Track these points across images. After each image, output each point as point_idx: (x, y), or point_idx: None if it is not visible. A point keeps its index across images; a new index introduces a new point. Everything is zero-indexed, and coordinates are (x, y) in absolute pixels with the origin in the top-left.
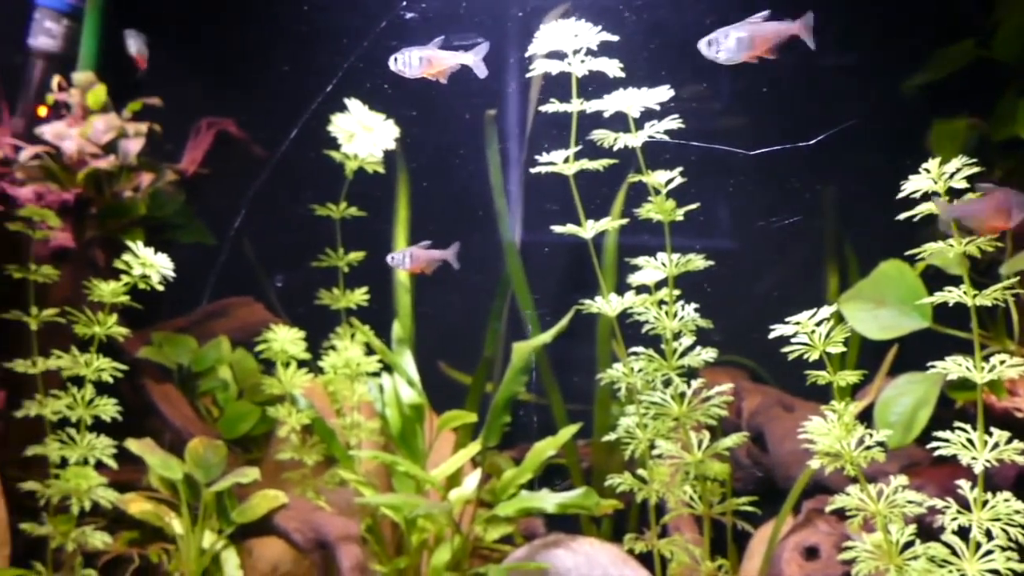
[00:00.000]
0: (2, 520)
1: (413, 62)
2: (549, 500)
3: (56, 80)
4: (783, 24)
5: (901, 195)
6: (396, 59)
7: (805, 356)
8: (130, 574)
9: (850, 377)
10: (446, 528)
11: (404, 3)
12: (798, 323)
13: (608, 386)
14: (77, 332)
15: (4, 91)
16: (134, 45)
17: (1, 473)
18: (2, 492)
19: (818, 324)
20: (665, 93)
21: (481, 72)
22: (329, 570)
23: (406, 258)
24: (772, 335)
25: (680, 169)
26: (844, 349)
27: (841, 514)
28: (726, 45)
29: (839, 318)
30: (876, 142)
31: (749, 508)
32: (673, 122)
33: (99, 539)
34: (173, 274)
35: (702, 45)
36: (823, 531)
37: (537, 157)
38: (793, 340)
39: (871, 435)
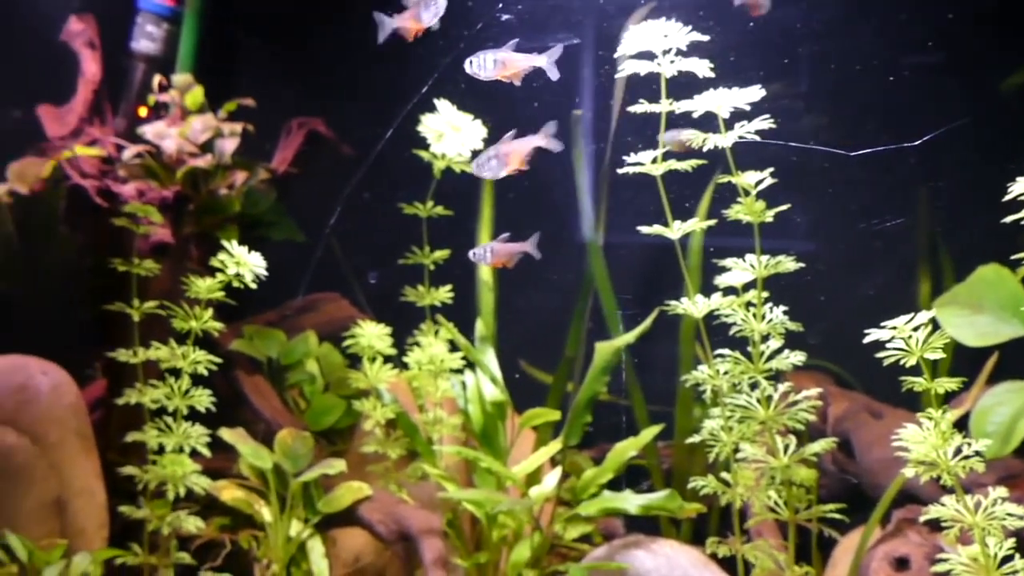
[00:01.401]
0: (101, 502)
1: (487, 64)
2: (632, 501)
3: (157, 81)
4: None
5: (1007, 197)
6: (471, 62)
7: (902, 362)
8: (222, 559)
9: (949, 384)
10: (526, 525)
11: (500, 5)
12: (894, 328)
13: (690, 388)
14: (175, 326)
15: (108, 92)
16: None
17: (102, 457)
18: (101, 476)
19: (915, 329)
20: (756, 93)
21: (554, 75)
22: (411, 562)
23: (487, 253)
24: (866, 340)
25: (771, 170)
26: (943, 355)
27: (934, 525)
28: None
29: (934, 324)
30: (972, 143)
31: (836, 515)
32: (764, 122)
33: (193, 524)
34: (266, 272)
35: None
36: (914, 542)
37: (624, 157)
38: (889, 345)
39: (968, 444)
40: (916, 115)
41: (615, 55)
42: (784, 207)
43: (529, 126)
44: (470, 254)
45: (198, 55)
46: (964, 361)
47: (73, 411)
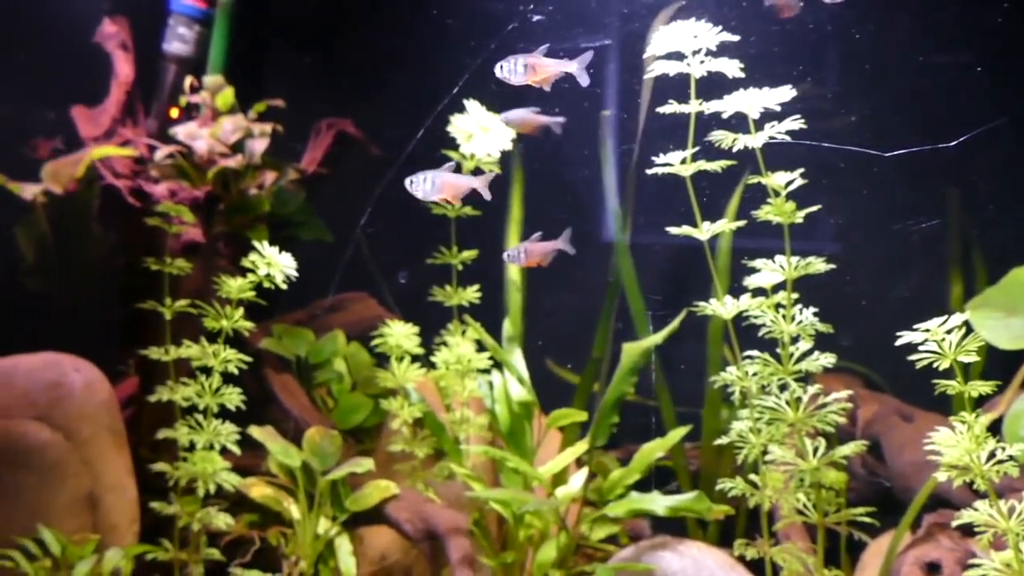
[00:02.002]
0: (132, 498)
1: (518, 69)
2: (659, 502)
3: (188, 83)
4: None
5: None
6: (502, 66)
7: (934, 365)
8: (251, 555)
9: (982, 387)
10: (552, 525)
11: (531, 6)
12: (927, 330)
13: (718, 389)
14: (206, 325)
15: (140, 94)
16: None
17: (133, 454)
18: (133, 472)
19: (948, 332)
20: (787, 93)
21: (584, 80)
22: (437, 561)
23: (521, 253)
24: (898, 342)
25: (801, 171)
26: (977, 358)
27: (966, 530)
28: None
29: (966, 326)
30: (1006, 144)
31: (866, 519)
32: (795, 123)
33: (222, 520)
34: (296, 273)
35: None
36: (946, 546)
37: (654, 158)
38: (921, 348)
39: (1002, 449)
40: (951, 115)
41: (644, 56)
42: (814, 208)
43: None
44: (504, 256)
45: (229, 56)
46: (997, 364)
47: (106, 408)
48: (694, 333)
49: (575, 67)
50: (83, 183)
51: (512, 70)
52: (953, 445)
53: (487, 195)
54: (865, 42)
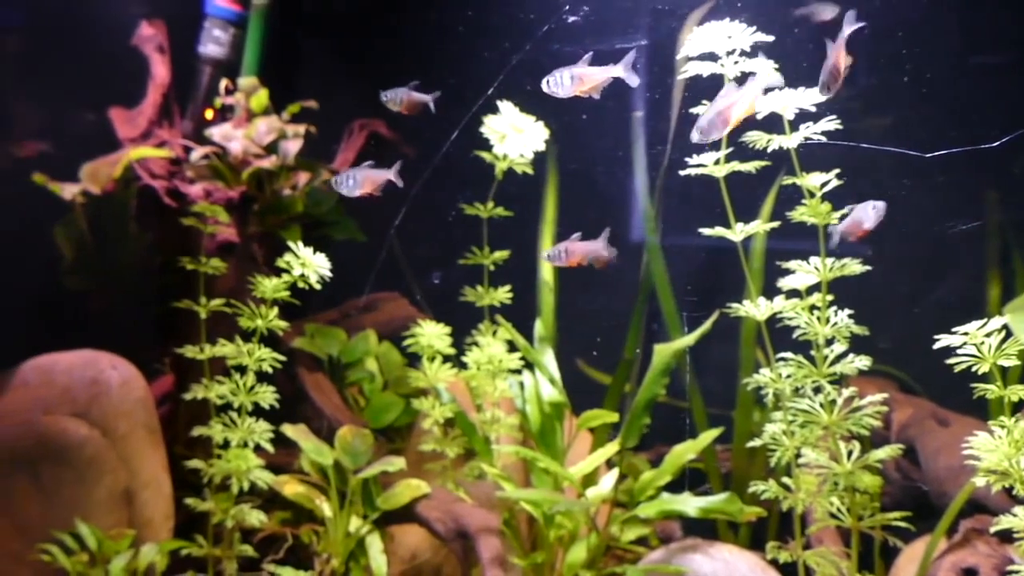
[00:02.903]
0: (167, 494)
1: (564, 82)
2: (691, 504)
3: (223, 85)
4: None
5: None
6: (548, 81)
7: (973, 368)
8: (284, 552)
9: (1022, 391)
10: (583, 526)
11: (567, 7)
12: (965, 333)
13: (750, 391)
14: (241, 324)
15: (176, 95)
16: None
17: (168, 450)
18: (168, 468)
19: (987, 335)
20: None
21: (633, 81)
22: (468, 560)
23: (562, 253)
24: (936, 345)
25: (836, 171)
26: (1017, 362)
27: (1004, 536)
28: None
29: (1005, 329)
30: None
31: (901, 523)
32: (831, 123)
33: (255, 517)
34: (330, 273)
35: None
36: (983, 552)
37: (687, 159)
38: (959, 351)
39: None
40: (992, 116)
41: (677, 56)
42: (847, 209)
43: (590, 126)
44: (544, 256)
45: (263, 58)
46: None
47: (142, 405)
48: (727, 335)
49: (622, 71)
50: (121, 184)
51: (559, 83)
52: (992, 450)
53: (399, 183)
54: (906, 41)
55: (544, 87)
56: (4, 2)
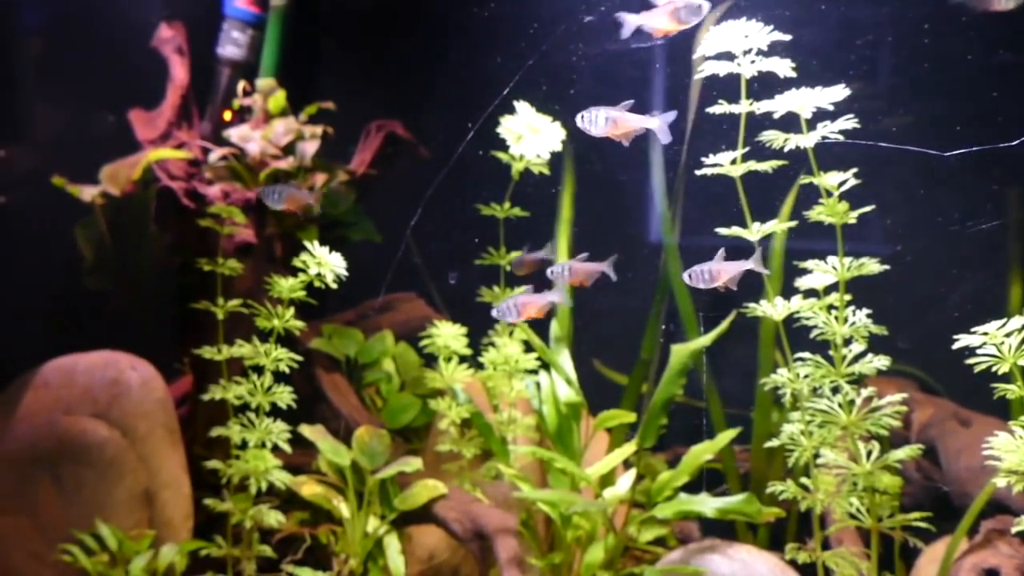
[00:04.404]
0: (187, 495)
1: (599, 121)
2: (709, 504)
3: (241, 86)
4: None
5: None
6: (583, 116)
7: (994, 369)
8: (302, 552)
9: None
10: (600, 526)
11: (583, 7)
12: (986, 334)
13: (769, 391)
14: (258, 324)
15: (195, 97)
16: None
17: (187, 451)
18: (187, 468)
19: (1007, 335)
20: (840, 92)
21: (665, 139)
22: (485, 561)
23: (565, 270)
24: (956, 345)
25: (854, 171)
26: None
27: None
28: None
29: None
30: None
31: (921, 524)
32: (848, 122)
33: (274, 518)
34: (346, 273)
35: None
36: (1004, 553)
37: (703, 159)
38: (980, 351)
39: None
40: (1011, 113)
41: (693, 56)
42: (867, 209)
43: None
44: (548, 272)
45: (281, 60)
46: None
47: (161, 405)
48: (746, 335)
49: (657, 124)
50: (140, 185)
51: (593, 121)
52: (1013, 450)
53: (316, 208)
54: (926, 40)
55: (578, 122)
56: (24, 4)
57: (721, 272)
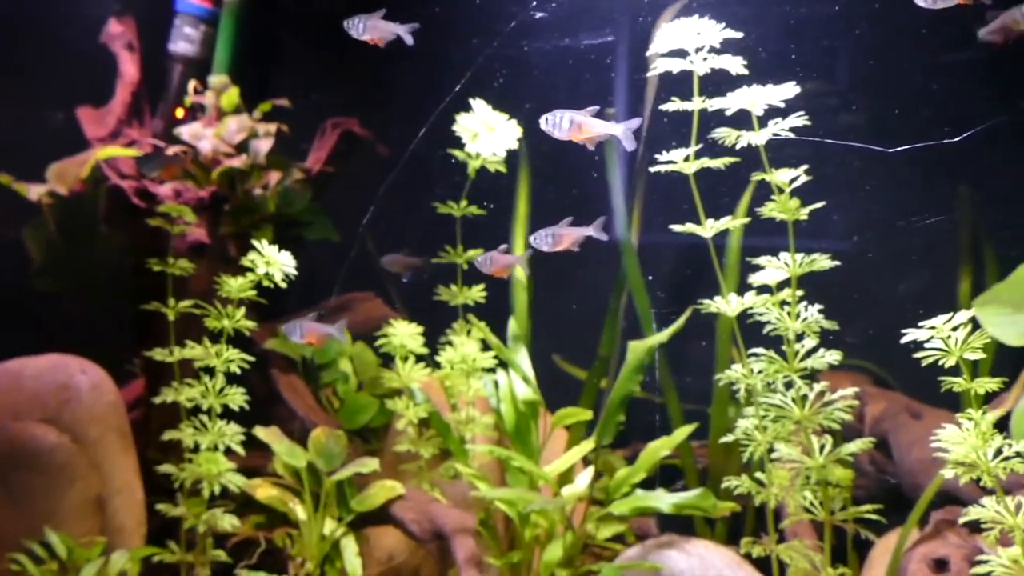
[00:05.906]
0: (140, 500)
1: (563, 124)
2: (665, 500)
3: (193, 84)
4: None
5: None
6: (547, 119)
7: (940, 362)
8: (257, 557)
9: (989, 384)
10: (559, 524)
11: (534, 3)
12: (933, 327)
13: (726, 387)
14: (208, 325)
15: (146, 94)
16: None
17: (140, 455)
18: (140, 473)
19: (954, 329)
20: (791, 90)
21: (629, 145)
22: (444, 561)
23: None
24: (904, 339)
25: (805, 167)
26: (983, 355)
27: (974, 526)
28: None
29: (974, 323)
30: (1016, 139)
31: (873, 516)
32: (799, 119)
33: (228, 522)
34: (295, 272)
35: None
36: (953, 543)
37: (657, 156)
38: (927, 345)
39: (1009, 445)
40: (959, 111)
41: (647, 53)
42: (818, 205)
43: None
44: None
45: (234, 56)
46: (1006, 361)
47: (112, 409)
48: (704, 331)
49: (621, 130)
50: (89, 184)
51: (556, 124)
52: (960, 442)
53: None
54: (871, 38)
55: (542, 124)
56: None
57: (563, 237)
